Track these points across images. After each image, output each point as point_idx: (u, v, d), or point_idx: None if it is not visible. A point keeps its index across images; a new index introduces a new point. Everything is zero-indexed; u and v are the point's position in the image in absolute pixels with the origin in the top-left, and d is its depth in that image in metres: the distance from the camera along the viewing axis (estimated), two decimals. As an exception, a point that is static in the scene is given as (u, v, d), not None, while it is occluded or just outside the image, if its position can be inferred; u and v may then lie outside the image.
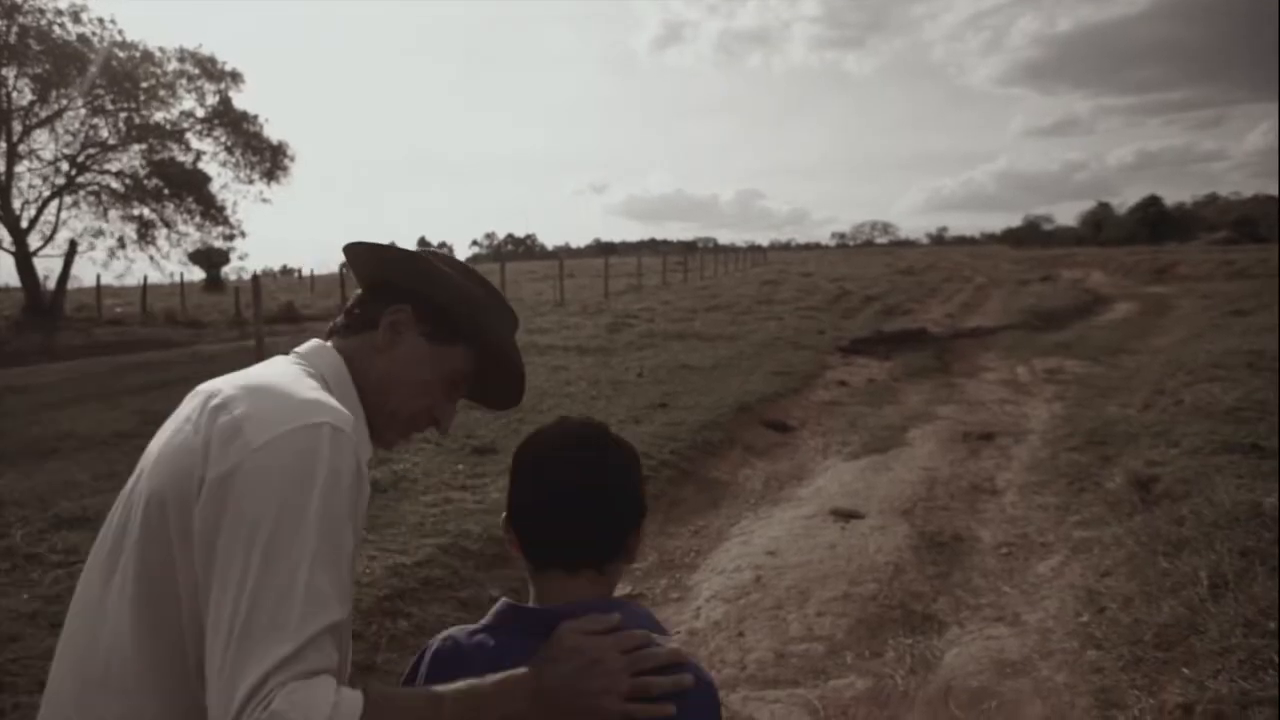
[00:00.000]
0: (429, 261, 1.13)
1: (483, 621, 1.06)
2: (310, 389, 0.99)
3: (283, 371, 1.04)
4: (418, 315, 1.11)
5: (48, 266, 21.77)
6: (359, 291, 1.18)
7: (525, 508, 1.05)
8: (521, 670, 0.93)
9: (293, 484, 0.88)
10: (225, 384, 1.01)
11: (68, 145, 20.86)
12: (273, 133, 23.70)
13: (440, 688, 0.92)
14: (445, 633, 1.07)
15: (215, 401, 0.97)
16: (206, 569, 0.88)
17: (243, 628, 0.83)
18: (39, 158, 20.59)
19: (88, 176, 21.54)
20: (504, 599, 1.07)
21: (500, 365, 1.18)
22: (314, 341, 1.13)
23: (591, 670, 0.92)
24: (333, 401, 0.99)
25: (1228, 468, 4.72)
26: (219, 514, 0.88)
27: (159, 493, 0.94)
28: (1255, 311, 13.87)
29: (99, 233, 22.12)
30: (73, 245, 21.46)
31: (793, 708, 3.09)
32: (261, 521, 0.86)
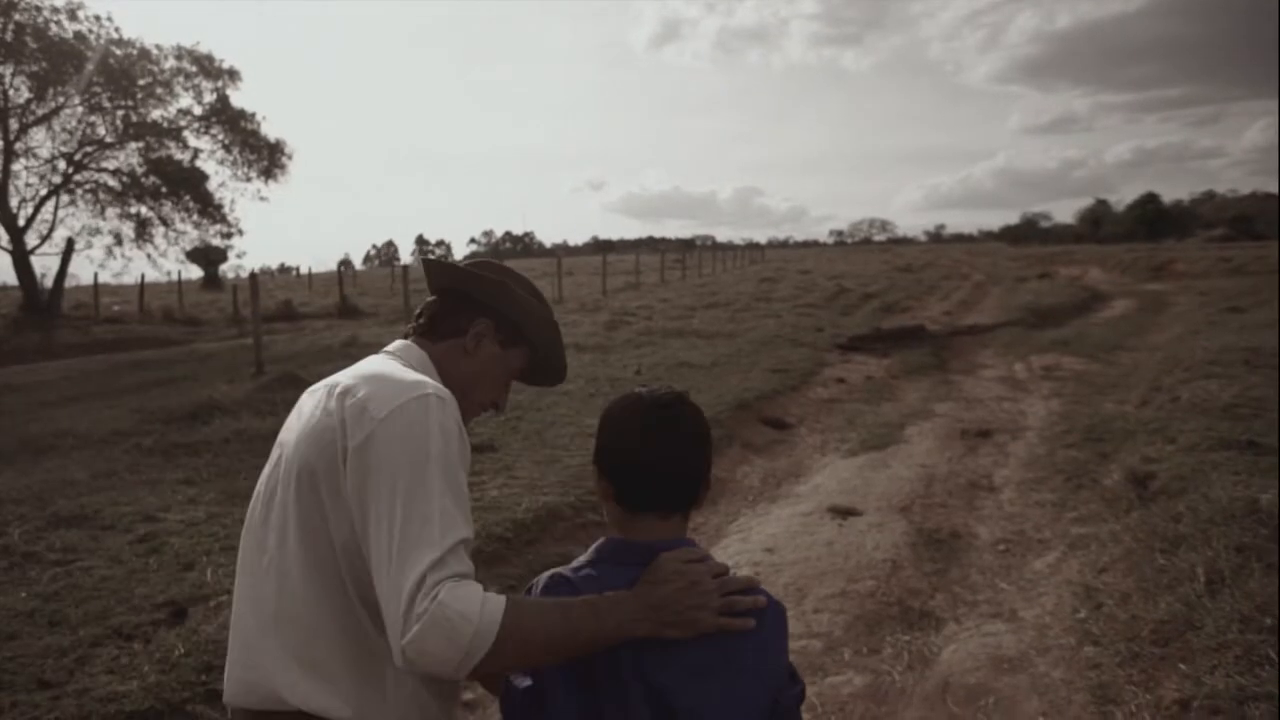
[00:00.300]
0: (507, 286, 1.40)
1: (582, 559, 1.23)
2: (411, 373, 1.26)
3: (384, 363, 1.31)
4: (495, 327, 1.39)
5: (45, 265, 21.88)
6: (431, 298, 1.44)
7: (630, 463, 1.21)
8: (632, 590, 1.13)
9: (415, 441, 1.13)
10: (343, 377, 1.27)
11: (64, 143, 20.85)
12: (270, 130, 23.74)
13: (566, 599, 1.13)
14: (549, 572, 1.23)
15: (339, 389, 1.22)
16: (362, 516, 1.13)
17: (399, 548, 1.07)
18: (36, 156, 20.57)
19: (85, 174, 21.51)
20: (606, 539, 1.24)
21: (549, 361, 1.48)
22: (400, 341, 1.40)
23: (691, 590, 1.13)
24: (431, 380, 1.25)
25: (1224, 464, 4.73)
26: (364, 474, 1.13)
27: (308, 465, 1.19)
28: (1252, 308, 13.89)
29: (96, 231, 22.10)
30: (70, 243, 21.44)
31: (791, 704, 3.09)
32: (398, 473, 1.11)
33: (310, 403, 1.28)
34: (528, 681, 1.16)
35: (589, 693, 1.11)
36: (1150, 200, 62.60)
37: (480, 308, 1.39)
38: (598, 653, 1.11)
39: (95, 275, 23.90)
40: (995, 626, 3.66)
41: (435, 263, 1.44)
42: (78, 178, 21.33)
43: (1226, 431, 5.43)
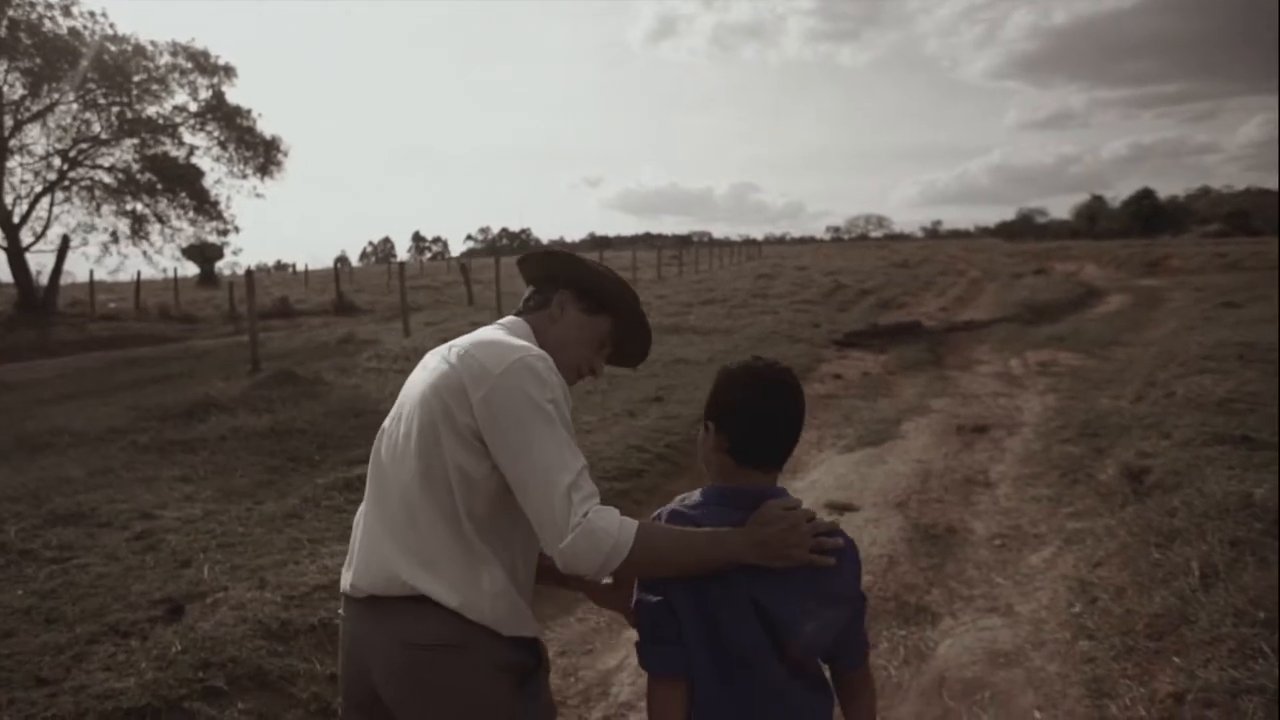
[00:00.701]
0: (581, 259, 1.66)
1: (694, 499, 1.48)
2: (515, 339, 1.53)
3: (494, 332, 1.58)
4: (575, 296, 1.64)
5: (40, 262, 21.66)
6: (531, 288, 1.69)
7: (749, 422, 1.44)
8: (743, 528, 1.39)
9: (527, 390, 1.41)
10: (461, 340, 1.54)
11: (59, 140, 20.77)
12: (266, 127, 23.69)
13: (690, 528, 1.40)
14: (667, 508, 1.49)
15: (458, 350, 1.50)
16: (500, 454, 1.40)
17: (541, 475, 1.36)
18: (30, 153, 20.49)
19: (80, 171, 21.45)
20: (714, 485, 1.48)
21: (631, 325, 1.69)
22: (509, 317, 1.66)
23: (791, 531, 1.38)
24: (532, 344, 1.53)
25: (1219, 459, 4.75)
26: (492, 420, 1.40)
27: (430, 410, 1.45)
28: (1247, 304, 13.92)
29: (91, 228, 22.02)
30: (65, 241, 21.37)
31: (787, 699, 3.10)
32: (521, 417, 1.39)
33: (434, 361, 1.55)
34: (658, 597, 1.41)
35: (705, 608, 1.39)
36: (1146, 196, 62.71)
37: (562, 282, 1.65)
38: (713, 578, 1.38)
39: (91, 272, 23.83)
40: (991, 621, 3.67)
41: (524, 258, 1.72)
42: (73, 174, 21.27)
43: (1221, 426, 5.44)
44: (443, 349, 1.55)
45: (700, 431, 1.50)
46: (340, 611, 1.60)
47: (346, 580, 1.56)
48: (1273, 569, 3.27)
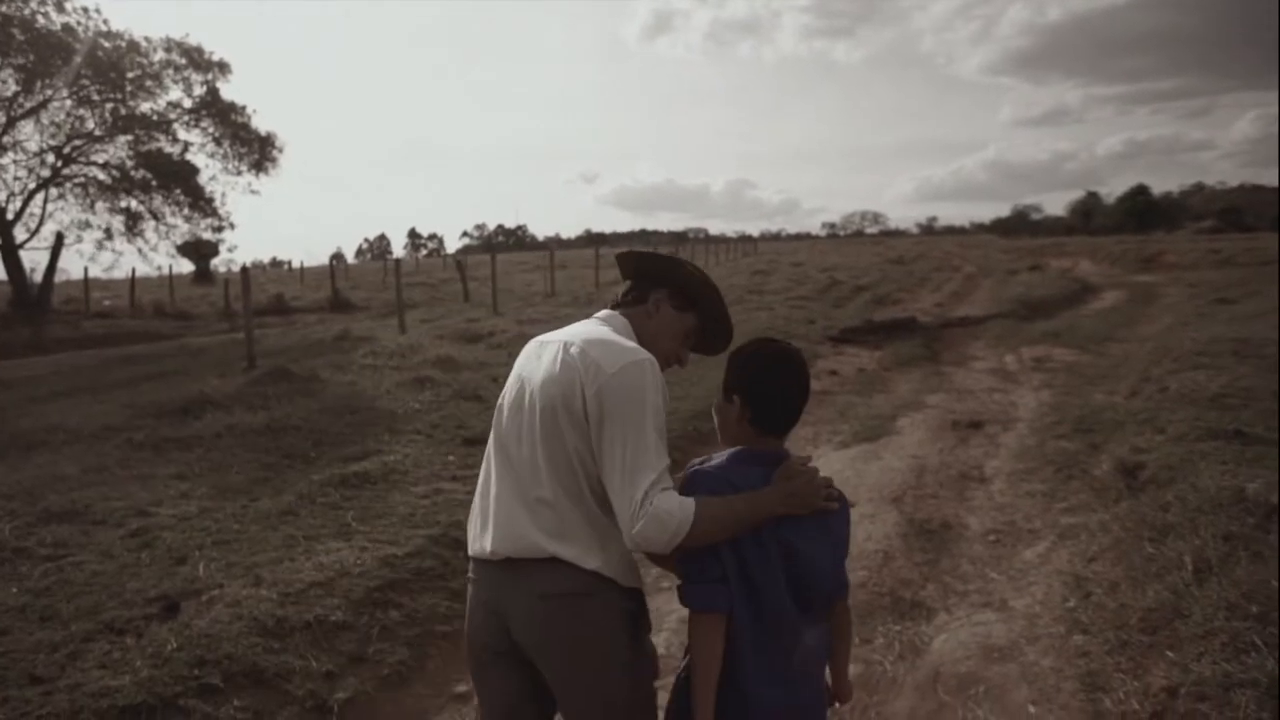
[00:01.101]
0: (678, 262, 1.89)
1: (719, 461, 1.73)
2: (626, 340, 1.75)
3: (599, 328, 1.79)
4: (669, 294, 1.85)
5: (34, 259, 21.57)
6: (628, 282, 1.92)
7: (771, 393, 1.71)
8: (772, 485, 1.64)
9: (636, 392, 1.62)
10: (572, 336, 1.75)
11: (53, 136, 20.67)
12: (261, 123, 23.60)
13: (730, 497, 1.62)
14: (698, 470, 1.73)
15: (574, 348, 1.70)
16: (599, 441, 1.63)
17: (629, 470, 1.58)
18: (24, 149, 20.40)
19: (74, 168, 21.35)
20: (741, 448, 1.73)
21: (715, 321, 1.91)
22: (607, 310, 1.88)
23: (811, 483, 1.65)
24: (635, 343, 1.76)
25: (1212, 454, 4.77)
26: (601, 413, 1.62)
27: (551, 399, 1.68)
28: (1241, 300, 13.97)
29: (86, 225, 21.91)
30: (59, 238, 21.27)
31: (783, 694, 3.11)
32: (626, 416, 1.61)
33: (547, 354, 1.75)
34: None
35: (738, 550, 1.63)
36: (1140, 192, 62.76)
37: (659, 280, 1.87)
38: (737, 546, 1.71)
39: (85, 270, 23.66)
40: (985, 616, 3.69)
41: (624, 255, 1.92)
42: (66, 171, 21.17)
43: (1214, 421, 5.46)
44: (554, 341, 1.76)
45: (721, 403, 1.75)
46: (470, 575, 1.83)
47: (482, 545, 1.76)
48: (1266, 563, 3.29)
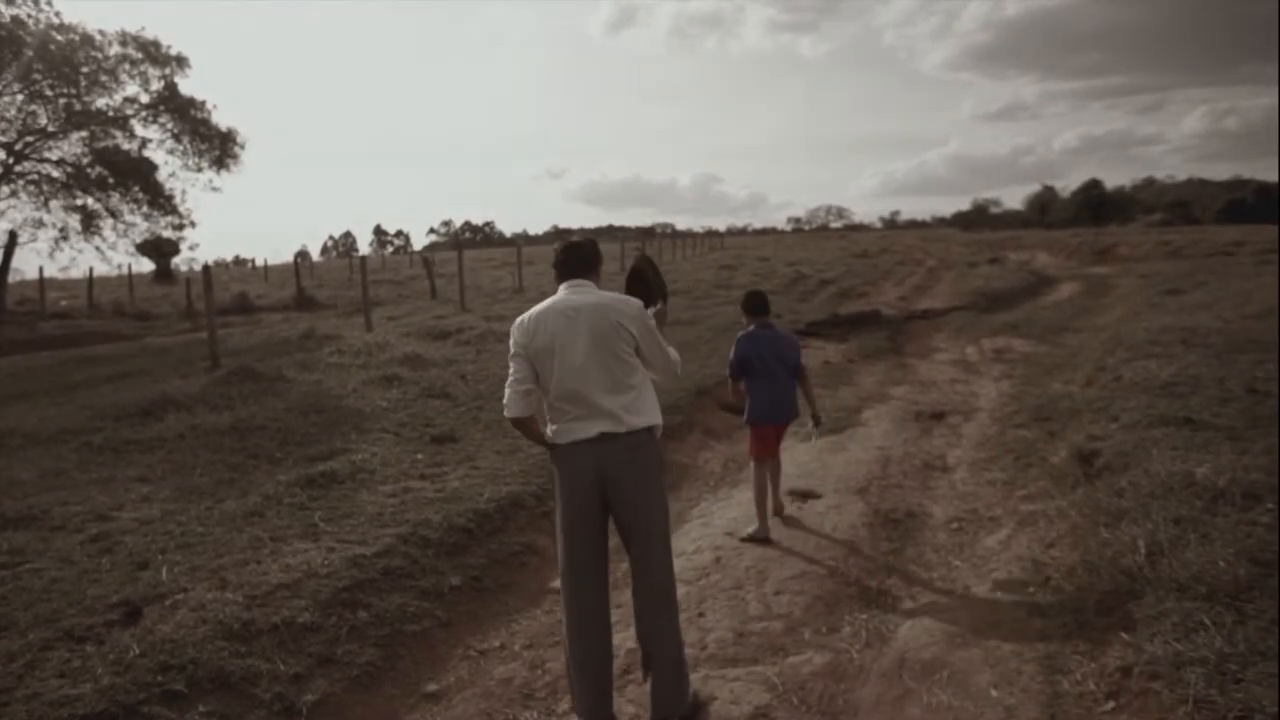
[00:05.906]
0: (598, 253, 3.09)
1: (749, 330, 4.80)
2: (609, 292, 2.96)
3: (594, 291, 2.92)
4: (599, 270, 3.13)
5: (-14, 259, 20.97)
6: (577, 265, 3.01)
7: (755, 300, 4.92)
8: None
9: (647, 320, 2.92)
10: (597, 302, 2.86)
11: (4, 133, 20.06)
12: (222, 119, 23.11)
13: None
14: (742, 332, 4.84)
15: (605, 303, 2.86)
16: (646, 351, 2.91)
17: (665, 357, 2.98)
18: (-28, 146, 19.81)
19: (27, 165, 20.75)
20: (752, 325, 4.87)
21: (630, 283, 3.32)
22: (578, 280, 2.95)
23: (787, 335, 4.89)
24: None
25: (1163, 440, 4.90)
26: (642, 334, 2.88)
27: (605, 328, 2.82)
28: (1189, 290, 14.34)
29: (40, 223, 21.33)
30: (13, 237, 20.72)
31: (752, 685, 3.15)
32: (649, 327, 2.91)
33: (583, 315, 2.82)
34: (733, 358, 4.80)
35: (752, 348, 4.72)
36: (1094, 186, 63.82)
37: (596, 265, 3.06)
38: (752, 342, 4.75)
39: (41, 269, 23.17)
40: (949, 603, 3.77)
41: (567, 248, 3.04)
42: (19, 168, 20.57)
43: (1165, 409, 5.61)
44: (580, 305, 2.83)
45: (743, 320, 4.88)
46: (562, 458, 2.88)
47: (577, 433, 2.83)
48: (1214, 545, 3.40)
